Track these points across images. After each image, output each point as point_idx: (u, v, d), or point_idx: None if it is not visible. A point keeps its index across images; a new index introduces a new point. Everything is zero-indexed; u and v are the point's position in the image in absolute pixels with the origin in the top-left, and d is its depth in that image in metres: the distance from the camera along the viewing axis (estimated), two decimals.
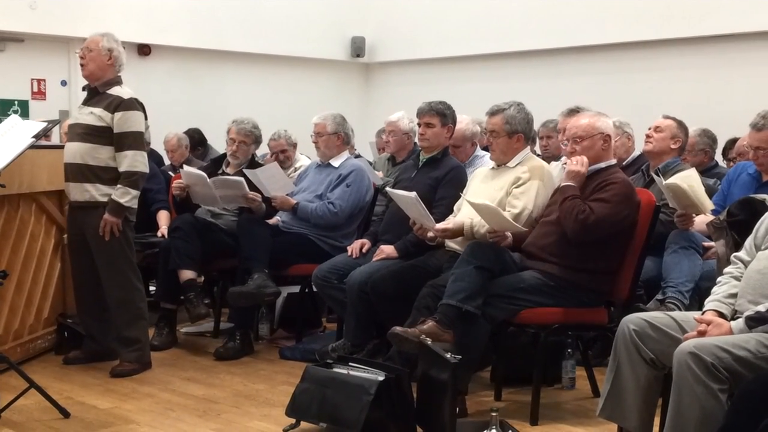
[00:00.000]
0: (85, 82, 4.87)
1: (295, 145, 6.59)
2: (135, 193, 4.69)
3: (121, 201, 4.64)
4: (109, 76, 4.76)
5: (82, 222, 4.76)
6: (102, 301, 4.83)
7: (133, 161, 4.65)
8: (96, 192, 4.66)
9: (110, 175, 4.67)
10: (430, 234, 4.52)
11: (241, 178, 5.37)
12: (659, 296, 4.50)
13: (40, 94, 8.93)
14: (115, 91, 4.72)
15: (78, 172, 4.68)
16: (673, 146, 4.92)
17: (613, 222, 3.99)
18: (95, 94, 4.77)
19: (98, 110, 4.67)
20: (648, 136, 4.96)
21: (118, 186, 4.64)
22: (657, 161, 4.93)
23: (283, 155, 6.43)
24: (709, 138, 5.83)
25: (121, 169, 4.65)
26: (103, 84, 4.75)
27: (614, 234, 4.04)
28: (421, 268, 4.57)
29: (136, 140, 4.67)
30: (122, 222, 4.67)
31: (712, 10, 8.04)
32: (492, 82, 9.37)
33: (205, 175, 5.44)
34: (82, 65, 4.78)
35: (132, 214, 4.76)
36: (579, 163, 4.11)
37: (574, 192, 4.06)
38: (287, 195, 5.48)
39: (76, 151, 4.68)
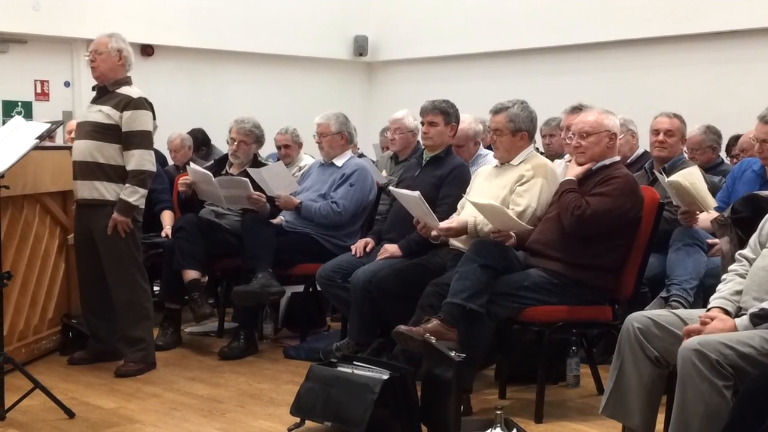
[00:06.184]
0: (93, 83, 4.88)
1: (300, 145, 6.62)
2: (143, 191, 4.70)
3: (130, 200, 4.64)
4: (120, 75, 4.78)
5: (89, 221, 4.76)
6: (107, 301, 4.84)
7: (141, 160, 4.66)
8: (104, 190, 4.67)
9: (118, 173, 4.68)
10: (434, 233, 4.52)
11: (246, 179, 5.37)
12: (663, 294, 4.49)
13: (43, 95, 8.92)
14: (124, 90, 4.74)
15: (87, 170, 4.69)
16: (681, 145, 4.95)
17: (613, 216, 3.99)
18: (104, 93, 4.78)
19: (107, 108, 4.69)
20: (661, 142, 4.93)
21: (126, 185, 4.65)
22: (664, 160, 4.93)
23: (285, 150, 6.43)
24: (715, 134, 5.82)
25: (129, 167, 4.66)
26: (113, 83, 4.76)
27: (618, 231, 4.04)
28: (424, 266, 4.58)
29: (144, 139, 4.68)
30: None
31: (715, 7, 8.01)
32: (495, 81, 9.34)
33: (210, 174, 5.45)
34: (92, 68, 4.79)
35: (139, 214, 4.77)
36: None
37: (571, 185, 4.07)
38: (291, 194, 5.48)
39: (84, 149, 4.70)
